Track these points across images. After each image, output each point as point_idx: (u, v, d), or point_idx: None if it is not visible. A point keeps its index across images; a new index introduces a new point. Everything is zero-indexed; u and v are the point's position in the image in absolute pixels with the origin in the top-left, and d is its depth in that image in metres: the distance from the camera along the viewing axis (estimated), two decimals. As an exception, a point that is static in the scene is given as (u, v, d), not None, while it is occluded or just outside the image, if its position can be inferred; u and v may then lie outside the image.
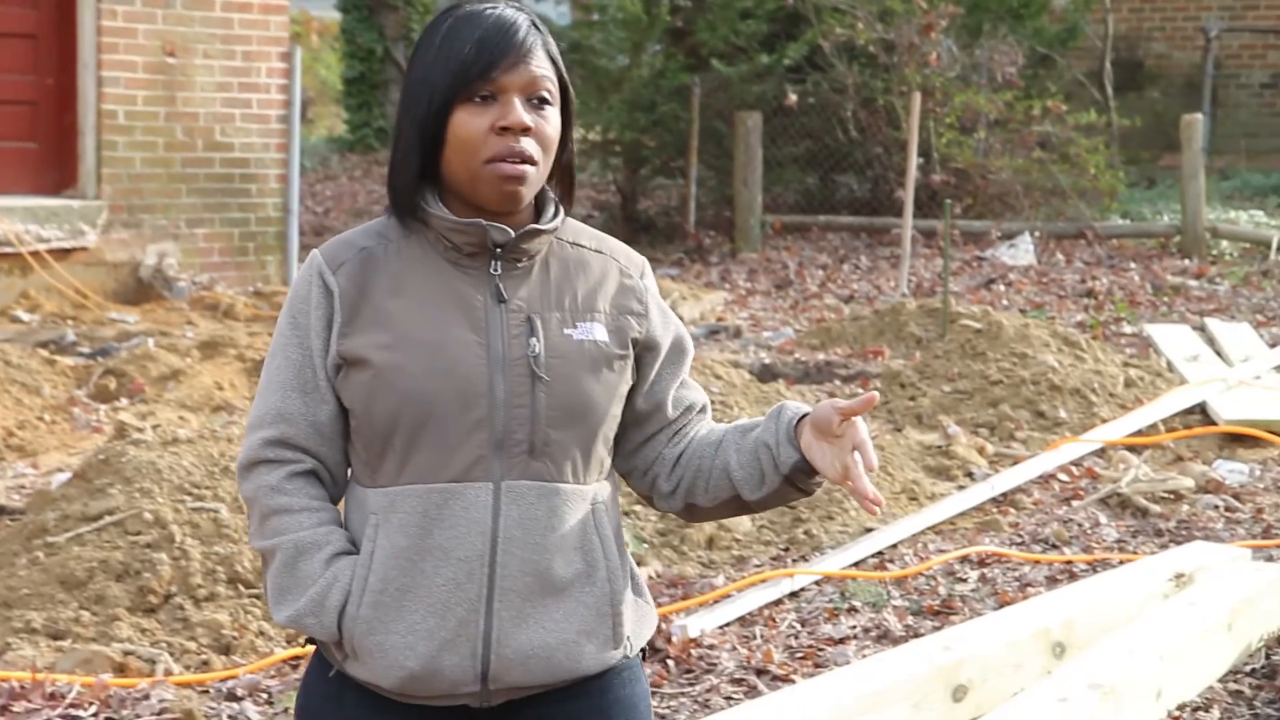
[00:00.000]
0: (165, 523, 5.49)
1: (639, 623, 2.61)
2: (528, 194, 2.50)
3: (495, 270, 2.53)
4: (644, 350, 2.61)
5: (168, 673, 4.97)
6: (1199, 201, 13.71)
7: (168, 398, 7.89)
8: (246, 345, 8.84)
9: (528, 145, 2.47)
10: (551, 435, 2.49)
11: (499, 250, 2.52)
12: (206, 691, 4.95)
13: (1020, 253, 13.64)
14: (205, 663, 5.11)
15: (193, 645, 5.16)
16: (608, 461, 2.60)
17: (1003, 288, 12.48)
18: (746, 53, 15.22)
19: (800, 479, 2.53)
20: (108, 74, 10.95)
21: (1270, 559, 6.30)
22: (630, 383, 2.60)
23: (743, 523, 6.57)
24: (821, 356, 9.86)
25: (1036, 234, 14.20)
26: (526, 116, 2.48)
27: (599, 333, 2.54)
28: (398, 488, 2.49)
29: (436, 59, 2.49)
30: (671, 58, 15.28)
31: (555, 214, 2.58)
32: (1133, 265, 13.23)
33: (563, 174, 2.60)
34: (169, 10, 11.21)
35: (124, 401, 8.11)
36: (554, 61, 2.54)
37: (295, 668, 5.07)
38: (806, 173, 15.84)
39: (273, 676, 5.06)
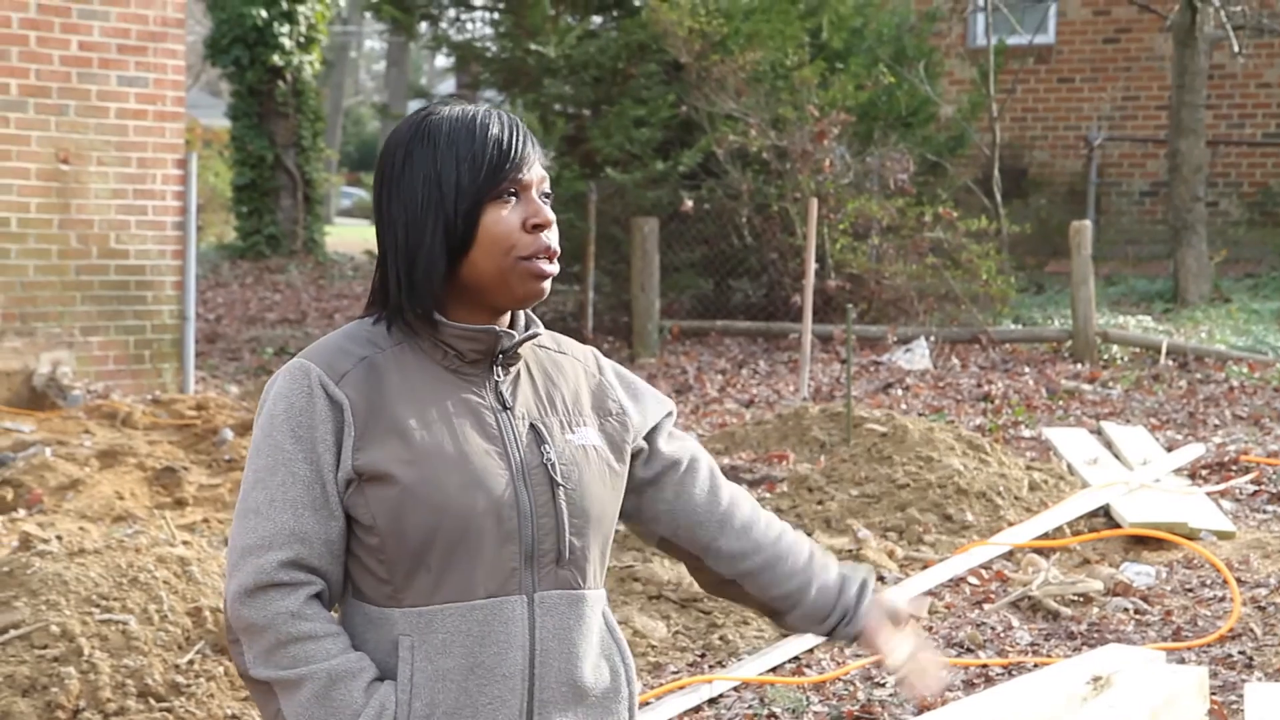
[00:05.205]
0: (73, 635, 5.36)
1: None
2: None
3: (499, 377, 2.51)
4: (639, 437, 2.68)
5: (79, 791, 4.85)
6: (1089, 306, 13.88)
7: (67, 508, 7.74)
8: (146, 454, 8.69)
9: (553, 240, 2.48)
10: (575, 543, 2.48)
11: (499, 356, 2.51)
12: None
13: (916, 357, 13.74)
14: (117, 780, 4.99)
15: (103, 762, 5.04)
16: None
17: (900, 392, 12.55)
18: (641, 160, 15.32)
19: (840, 643, 2.78)
20: (0, 181, 10.82)
21: (1183, 661, 6.33)
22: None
23: (658, 628, 6.52)
24: (726, 461, 9.85)
25: (931, 339, 14.31)
26: (548, 212, 2.51)
27: (593, 437, 2.55)
28: (433, 607, 2.42)
29: (452, 161, 2.44)
30: (567, 166, 15.34)
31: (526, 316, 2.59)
32: (1027, 369, 13.36)
33: None
34: (62, 117, 11.10)
35: (21, 512, 7.94)
36: None
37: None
38: (703, 278, 15.94)
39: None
